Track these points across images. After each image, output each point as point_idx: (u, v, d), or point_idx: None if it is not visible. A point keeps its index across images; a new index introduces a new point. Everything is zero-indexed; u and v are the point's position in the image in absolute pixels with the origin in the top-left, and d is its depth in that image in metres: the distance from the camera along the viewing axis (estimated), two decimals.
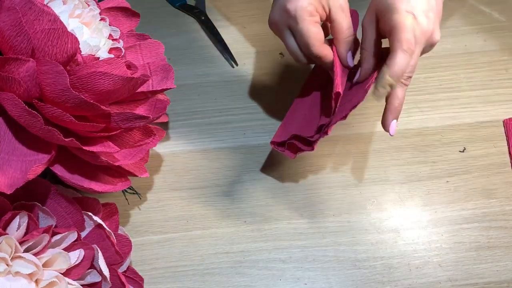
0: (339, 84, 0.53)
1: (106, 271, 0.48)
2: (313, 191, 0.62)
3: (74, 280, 0.48)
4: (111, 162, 0.47)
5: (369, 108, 0.66)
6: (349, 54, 0.55)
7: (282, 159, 0.63)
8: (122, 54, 0.53)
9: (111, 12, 0.56)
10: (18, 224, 0.46)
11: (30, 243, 0.46)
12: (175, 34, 0.72)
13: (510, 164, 0.63)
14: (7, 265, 0.45)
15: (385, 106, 0.52)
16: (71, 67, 0.45)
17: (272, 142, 0.57)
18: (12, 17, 0.42)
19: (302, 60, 0.56)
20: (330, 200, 0.61)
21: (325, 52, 0.54)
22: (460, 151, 0.64)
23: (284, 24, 0.54)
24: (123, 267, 0.52)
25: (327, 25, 0.57)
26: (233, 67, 0.69)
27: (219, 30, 0.71)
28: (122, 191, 0.60)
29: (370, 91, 0.52)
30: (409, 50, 0.47)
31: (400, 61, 0.47)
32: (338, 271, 0.57)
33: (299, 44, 0.55)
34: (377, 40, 0.53)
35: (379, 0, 0.50)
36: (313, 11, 0.52)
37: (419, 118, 0.66)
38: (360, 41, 0.55)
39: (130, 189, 0.60)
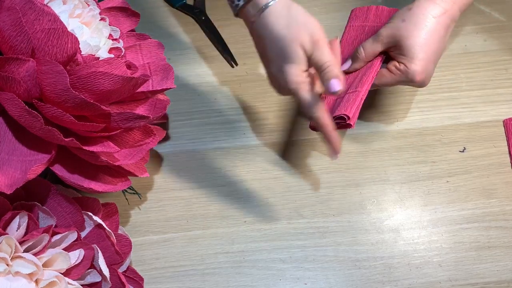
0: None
1: (106, 271, 0.48)
2: (313, 191, 0.62)
3: (74, 280, 0.48)
4: (111, 162, 0.47)
5: (369, 108, 0.66)
6: (333, 81, 0.52)
7: (281, 159, 0.63)
8: (122, 54, 0.53)
9: (111, 12, 0.56)
10: (18, 224, 0.46)
11: (30, 243, 0.46)
12: (175, 34, 0.72)
13: (510, 164, 0.63)
14: (7, 265, 0.45)
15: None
16: (71, 67, 0.45)
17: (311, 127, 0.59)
18: (12, 17, 0.42)
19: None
20: (330, 200, 0.61)
21: (324, 116, 0.53)
22: (460, 151, 0.64)
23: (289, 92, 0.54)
24: (123, 267, 0.52)
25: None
26: (233, 67, 0.69)
27: (219, 30, 0.71)
28: (122, 191, 0.60)
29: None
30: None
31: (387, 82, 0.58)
32: (338, 271, 0.57)
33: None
34: (378, 52, 0.58)
35: (401, 36, 0.55)
36: (301, 75, 0.51)
37: (419, 118, 0.66)
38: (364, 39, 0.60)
39: (130, 189, 0.60)
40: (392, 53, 0.57)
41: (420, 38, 0.54)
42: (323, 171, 0.63)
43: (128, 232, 0.55)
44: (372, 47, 0.57)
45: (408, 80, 0.55)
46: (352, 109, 0.54)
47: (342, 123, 0.54)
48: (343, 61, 0.59)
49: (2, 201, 0.47)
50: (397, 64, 0.56)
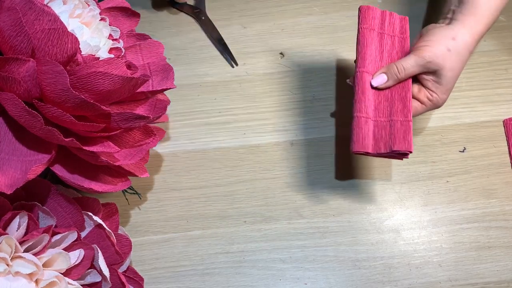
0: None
1: (106, 271, 0.48)
2: (313, 191, 0.62)
3: (74, 280, 0.48)
4: (111, 162, 0.47)
5: None
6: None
7: (281, 159, 0.63)
8: (122, 54, 0.53)
9: (111, 12, 0.56)
10: (18, 224, 0.46)
11: (30, 243, 0.46)
12: (175, 34, 0.72)
13: (510, 164, 0.63)
14: (7, 265, 0.45)
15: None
16: (71, 67, 0.45)
17: (355, 152, 0.55)
18: (12, 17, 0.42)
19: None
20: (330, 200, 0.61)
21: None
22: (460, 151, 0.64)
23: None
24: (123, 267, 0.52)
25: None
26: (233, 67, 0.69)
27: (219, 30, 0.71)
28: (122, 191, 0.60)
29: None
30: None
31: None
32: (338, 271, 0.57)
33: None
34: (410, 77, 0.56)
35: (444, 66, 0.54)
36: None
37: (419, 118, 0.66)
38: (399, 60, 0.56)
39: (130, 189, 0.60)
40: (423, 76, 0.55)
41: (459, 72, 0.55)
42: (323, 171, 0.63)
43: (128, 232, 0.55)
44: (413, 69, 0.54)
45: (434, 108, 0.57)
46: (411, 143, 0.54)
47: (398, 153, 0.54)
48: (367, 65, 0.56)
49: (2, 201, 0.47)
50: (429, 95, 0.55)
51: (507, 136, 0.64)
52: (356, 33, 0.57)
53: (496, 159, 0.63)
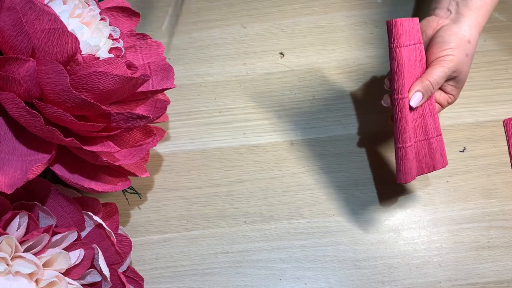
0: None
1: (106, 271, 0.48)
2: (313, 191, 0.62)
3: (74, 280, 0.48)
4: (111, 162, 0.47)
5: (370, 108, 0.66)
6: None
7: (281, 159, 0.63)
8: (122, 54, 0.53)
9: (111, 12, 0.56)
10: (18, 224, 0.46)
11: (30, 243, 0.46)
12: (175, 34, 0.72)
13: (510, 164, 0.63)
14: (7, 264, 0.45)
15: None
16: (71, 67, 0.45)
17: (403, 181, 0.54)
18: (12, 17, 0.42)
19: None
20: (330, 200, 0.61)
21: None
22: (460, 151, 0.64)
23: None
24: (123, 267, 0.52)
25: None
26: None
27: (219, 29, 0.71)
28: (122, 191, 0.60)
29: None
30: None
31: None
32: (338, 271, 0.57)
33: None
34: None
35: (464, 71, 0.54)
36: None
37: None
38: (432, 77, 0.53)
39: (131, 189, 0.60)
40: (444, 82, 0.55)
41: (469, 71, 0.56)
42: (323, 171, 0.63)
43: (128, 232, 0.55)
44: (442, 81, 0.53)
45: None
46: (446, 157, 0.56)
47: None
48: (406, 90, 0.53)
49: (2, 201, 0.47)
50: (448, 98, 0.56)
51: (507, 136, 0.64)
52: (388, 51, 0.52)
53: (496, 159, 0.63)
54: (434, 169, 0.56)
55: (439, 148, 0.56)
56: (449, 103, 0.57)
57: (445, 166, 0.56)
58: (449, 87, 0.55)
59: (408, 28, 0.52)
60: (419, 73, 0.54)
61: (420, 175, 0.56)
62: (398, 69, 0.51)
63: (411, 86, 0.53)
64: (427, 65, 0.54)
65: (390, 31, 0.52)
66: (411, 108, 0.53)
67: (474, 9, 0.54)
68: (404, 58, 0.51)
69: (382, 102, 0.55)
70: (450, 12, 0.55)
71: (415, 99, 0.52)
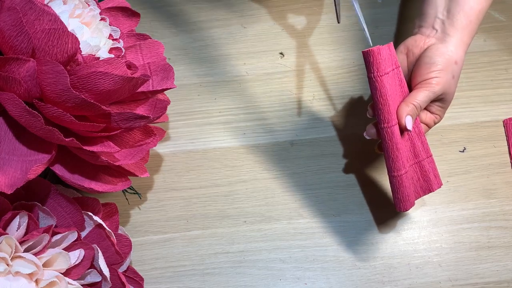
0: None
1: (106, 271, 0.48)
2: (313, 191, 0.62)
3: (74, 280, 0.48)
4: (111, 162, 0.47)
5: None
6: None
7: (281, 159, 0.63)
8: (122, 54, 0.53)
9: (111, 12, 0.56)
10: (18, 224, 0.46)
11: (30, 243, 0.46)
12: (175, 34, 0.72)
13: (510, 164, 0.63)
14: (7, 265, 0.45)
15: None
16: (72, 67, 0.45)
17: (403, 210, 0.54)
18: (12, 17, 0.42)
19: None
20: (330, 200, 0.61)
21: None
22: (460, 151, 0.64)
23: None
24: (123, 267, 0.52)
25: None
26: (339, 22, 0.61)
27: (219, 29, 0.71)
28: (122, 191, 0.60)
29: None
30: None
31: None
32: (338, 271, 0.57)
33: None
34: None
35: (450, 93, 0.54)
36: None
37: None
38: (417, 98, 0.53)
39: (130, 189, 0.60)
40: (429, 103, 0.55)
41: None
42: (323, 171, 0.63)
43: (128, 232, 0.55)
44: (425, 105, 0.53)
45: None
46: (439, 177, 0.56)
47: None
48: (393, 118, 0.52)
49: (2, 201, 0.47)
50: (434, 118, 0.56)
51: (507, 136, 0.64)
52: (368, 81, 0.51)
53: (496, 159, 0.63)
54: (430, 191, 0.56)
55: (431, 169, 0.55)
56: (435, 123, 0.56)
57: (440, 187, 0.56)
58: (434, 107, 0.55)
59: (385, 55, 0.51)
60: (401, 98, 0.53)
61: (417, 199, 0.56)
62: (382, 98, 0.51)
63: (397, 111, 0.52)
64: (413, 86, 0.54)
65: (368, 61, 0.51)
66: (404, 132, 0.52)
67: (459, 29, 0.54)
68: (386, 86, 0.51)
69: (365, 134, 0.55)
70: (436, 30, 0.54)
71: (409, 123, 0.52)
